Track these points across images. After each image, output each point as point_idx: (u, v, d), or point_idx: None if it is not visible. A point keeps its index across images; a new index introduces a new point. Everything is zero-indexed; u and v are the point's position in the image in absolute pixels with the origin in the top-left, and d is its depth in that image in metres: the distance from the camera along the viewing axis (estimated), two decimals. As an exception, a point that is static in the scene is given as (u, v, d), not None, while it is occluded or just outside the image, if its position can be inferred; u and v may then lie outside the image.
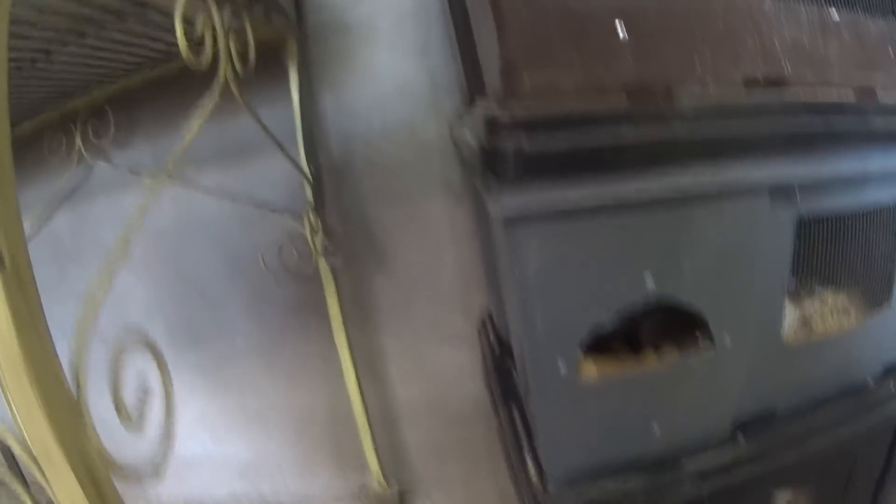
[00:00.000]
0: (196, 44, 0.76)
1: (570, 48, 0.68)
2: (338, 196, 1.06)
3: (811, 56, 0.81)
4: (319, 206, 1.00)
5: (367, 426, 1.07)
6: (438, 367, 1.10)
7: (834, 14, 0.84)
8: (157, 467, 0.53)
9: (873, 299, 0.94)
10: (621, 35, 0.69)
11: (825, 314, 0.94)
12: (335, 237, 1.03)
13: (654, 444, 0.80)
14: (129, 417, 0.50)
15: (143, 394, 0.53)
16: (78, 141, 1.11)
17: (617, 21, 0.69)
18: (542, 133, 0.64)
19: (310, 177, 0.98)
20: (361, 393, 1.06)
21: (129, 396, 0.52)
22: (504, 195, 0.65)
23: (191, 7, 0.72)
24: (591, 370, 0.76)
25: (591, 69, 0.69)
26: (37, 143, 1.12)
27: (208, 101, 0.81)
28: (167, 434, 0.56)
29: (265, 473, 1.19)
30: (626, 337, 0.88)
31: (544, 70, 0.68)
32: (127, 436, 0.49)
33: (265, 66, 1.03)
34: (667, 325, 0.83)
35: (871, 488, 1.05)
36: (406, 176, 1.02)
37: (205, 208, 1.06)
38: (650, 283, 0.71)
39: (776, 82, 0.78)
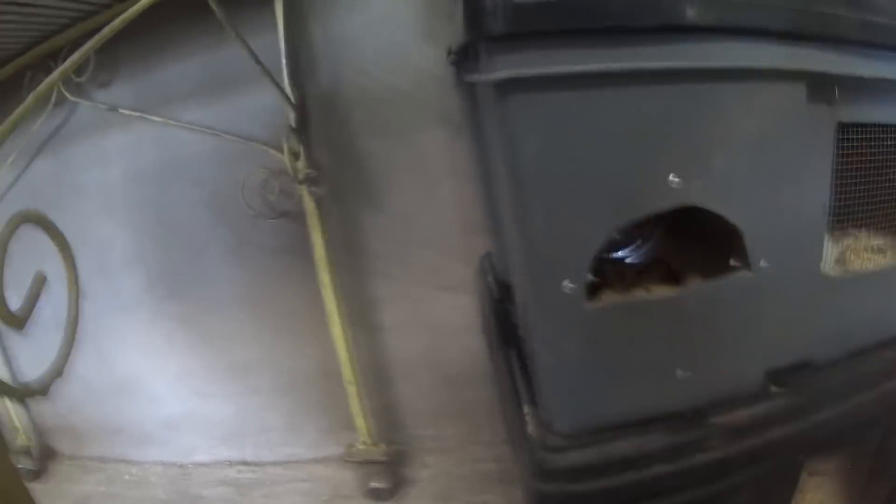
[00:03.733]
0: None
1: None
2: (326, 128, 0.97)
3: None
4: (302, 130, 0.91)
5: (354, 382, 0.98)
6: (436, 317, 0.99)
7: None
8: (44, 381, 0.42)
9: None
10: None
11: (860, 251, 0.82)
12: (321, 169, 0.94)
13: (678, 394, 0.68)
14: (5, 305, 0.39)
15: (36, 282, 0.42)
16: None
17: None
18: None
19: (291, 99, 0.90)
20: (349, 345, 0.97)
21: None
22: (494, 55, 0.55)
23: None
24: (603, 293, 0.65)
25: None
26: (17, 86, 1.07)
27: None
28: (67, 338, 0.44)
29: (249, 433, 1.10)
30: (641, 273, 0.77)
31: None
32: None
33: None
34: (691, 255, 0.72)
35: None
36: (400, 105, 0.93)
37: (186, 147, 0.99)
38: (674, 182, 0.60)
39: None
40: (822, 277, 0.72)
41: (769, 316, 0.69)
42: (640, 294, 0.67)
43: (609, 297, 0.66)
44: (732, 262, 0.66)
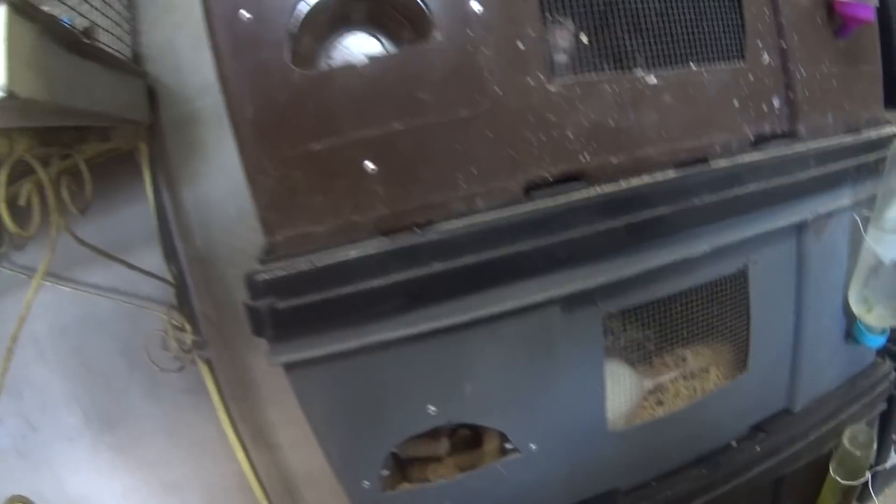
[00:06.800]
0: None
1: (317, 193, 0.67)
2: (207, 283, 1.10)
3: (618, 137, 0.76)
4: (184, 304, 1.04)
5: (263, 494, 1.16)
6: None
7: (650, 77, 0.78)
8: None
9: (734, 359, 0.91)
10: (370, 168, 0.67)
11: (679, 380, 0.91)
12: (208, 324, 1.08)
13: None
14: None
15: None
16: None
17: (364, 154, 0.67)
18: (295, 289, 0.65)
19: (170, 279, 1.02)
20: (252, 464, 1.14)
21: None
22: (274, 346, 0.67)
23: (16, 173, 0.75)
24: (398, 483, 0.79)
25: (341, 210, 0.68)
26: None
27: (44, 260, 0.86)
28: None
29: None
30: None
31: (295, 221, 0.68)
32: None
33: (122, 168, 1.07)
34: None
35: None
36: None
37: (97, 305, 1.12)
38: (432, 411, 0.72)
39: (570, 177, 0.74)
40: (611, 433, 0.83)
41: (553, 475, 0.81)
42: (425, 479, 0.81)
43: (402, 485, 0.79)
44: (506, 446, 0.78)
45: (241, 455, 1.12)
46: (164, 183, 1.08)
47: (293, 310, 0.65)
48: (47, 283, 1.08)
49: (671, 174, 0.76)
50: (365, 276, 0.65)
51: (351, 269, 0.65)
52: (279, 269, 0.65)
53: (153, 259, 1.07)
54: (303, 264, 0.65)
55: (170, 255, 1.04)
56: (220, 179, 1.07)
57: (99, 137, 0.96)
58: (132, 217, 1.07)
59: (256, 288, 0.65)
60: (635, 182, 0.74)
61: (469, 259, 0.67)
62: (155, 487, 1.25)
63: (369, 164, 0.67)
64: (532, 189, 0.71)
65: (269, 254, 0.69)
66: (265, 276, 0.65)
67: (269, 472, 1.22)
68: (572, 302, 0.73)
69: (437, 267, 0.66)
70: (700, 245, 0.77)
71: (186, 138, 1.08)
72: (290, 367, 0.68)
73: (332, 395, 0.70)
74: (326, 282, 0.65)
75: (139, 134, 1.04)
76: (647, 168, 0.76)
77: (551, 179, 0.72)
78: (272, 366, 0.68)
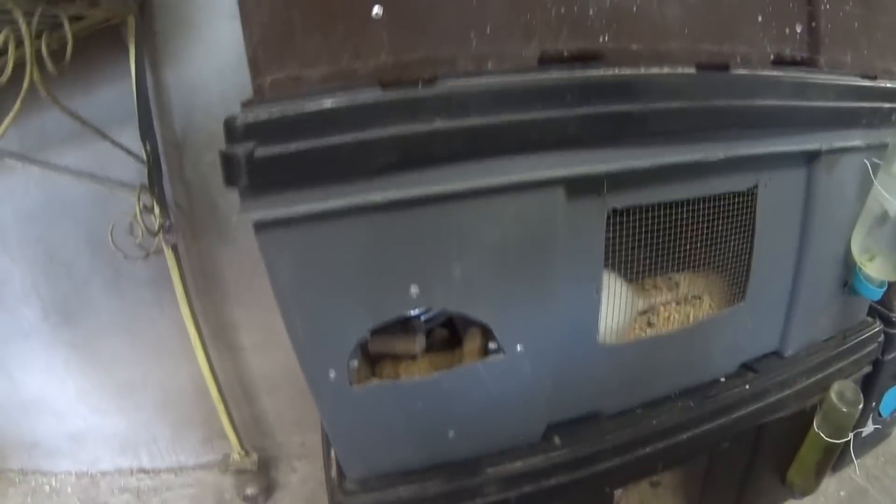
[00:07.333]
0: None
1: (316, 34, 0.61)
2: (181, 169, 1.04)
3: (640, 24, 0.71)
4: (154, 185, 0.97)
5: (219, 398, 1.10)
6: (287, 337, 1.09)
7: (680, -29, 0.73)
8: None
9: (728, 290, 0.87)
10: (375, 13, 0.62)
11: (671, 305, 0.87)
12: (178, 212, 1.02)
13: (453, 449, 0.77)
14: None
15: None
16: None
17: (371, -3, 0.62)
18: (278, 136, 0.58)
19: (143, 157, 0.96)
20: (210, 365, 1.08)
21: None
22: (247, 199, 0.60)
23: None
24: (365, 376, 0.73)
25: (339, 55, 0.62)
26: None
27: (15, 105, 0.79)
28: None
29: (141, 444, 1.24)
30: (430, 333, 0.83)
31: (287, 63, 0.62)
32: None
33: (107, 43, 1.00)
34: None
35: (736, 481, 1.00)
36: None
37: (66, 189, 1.05)
38: (415, 292, 0.66)
39: (585, 57, 0.69)
40: (600, 347, 0.78)
41: (536, 384, 0.76)
42: (396, 374, 0.75)
43: (370, 380, 0.73)
44: (489, 347, 0.73)
45: (200, 354, 1.06)
46: (149, 61, 1.01)
47: (273, 158, 0.58)
48: (16, 164, 1.01)
49: (692, 71, 0.71)
50: (358, 126, 0.59)
51: (343, 117, 0.58)
52: (262, 112, 0.58)
53: (128, 140, 1.00)
54: (289, 108, 0.58)
55: (146, 134, 0.97)
56: (207, 63, 1.01)
57: (88, 1, 0.89)
58: (111, 95, 1.01)
59: (234, 131, 0.58)
60: (655, 71, 0.69)
61: (474, 121, 0.61)
62: (109, 388, 1.18)
63: (376, 8, 0.61)
64: (546, 61, 0.66)
65: (255, 97, 0.63)
66: (245, 119, 0.58)
67: (228, 375, 1.15)
68: (577, 188, 0.67)
69: (439, 124, 0.60)
70: (714, 150, 0.73)
71: (176, 19, 1.01)
72: (261, 226, 0.61)
73: (306, 262, 0.63)
74: (314, 129, 0.58)
75: (129, 7, 0.98)
76: (666, 62, 0.71)
77: (566, 55, 0.67)
78: (247, 222, 0.62)
